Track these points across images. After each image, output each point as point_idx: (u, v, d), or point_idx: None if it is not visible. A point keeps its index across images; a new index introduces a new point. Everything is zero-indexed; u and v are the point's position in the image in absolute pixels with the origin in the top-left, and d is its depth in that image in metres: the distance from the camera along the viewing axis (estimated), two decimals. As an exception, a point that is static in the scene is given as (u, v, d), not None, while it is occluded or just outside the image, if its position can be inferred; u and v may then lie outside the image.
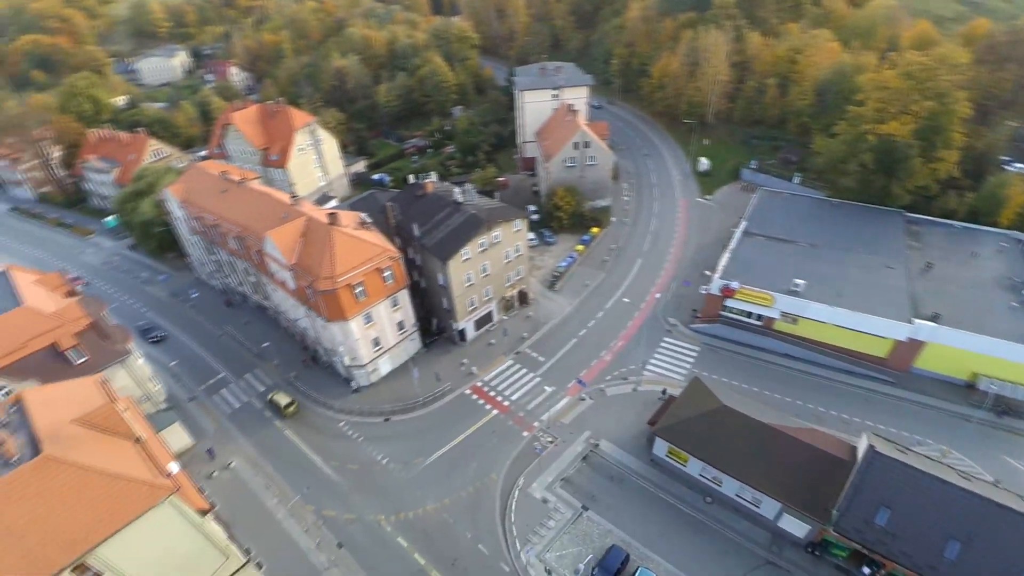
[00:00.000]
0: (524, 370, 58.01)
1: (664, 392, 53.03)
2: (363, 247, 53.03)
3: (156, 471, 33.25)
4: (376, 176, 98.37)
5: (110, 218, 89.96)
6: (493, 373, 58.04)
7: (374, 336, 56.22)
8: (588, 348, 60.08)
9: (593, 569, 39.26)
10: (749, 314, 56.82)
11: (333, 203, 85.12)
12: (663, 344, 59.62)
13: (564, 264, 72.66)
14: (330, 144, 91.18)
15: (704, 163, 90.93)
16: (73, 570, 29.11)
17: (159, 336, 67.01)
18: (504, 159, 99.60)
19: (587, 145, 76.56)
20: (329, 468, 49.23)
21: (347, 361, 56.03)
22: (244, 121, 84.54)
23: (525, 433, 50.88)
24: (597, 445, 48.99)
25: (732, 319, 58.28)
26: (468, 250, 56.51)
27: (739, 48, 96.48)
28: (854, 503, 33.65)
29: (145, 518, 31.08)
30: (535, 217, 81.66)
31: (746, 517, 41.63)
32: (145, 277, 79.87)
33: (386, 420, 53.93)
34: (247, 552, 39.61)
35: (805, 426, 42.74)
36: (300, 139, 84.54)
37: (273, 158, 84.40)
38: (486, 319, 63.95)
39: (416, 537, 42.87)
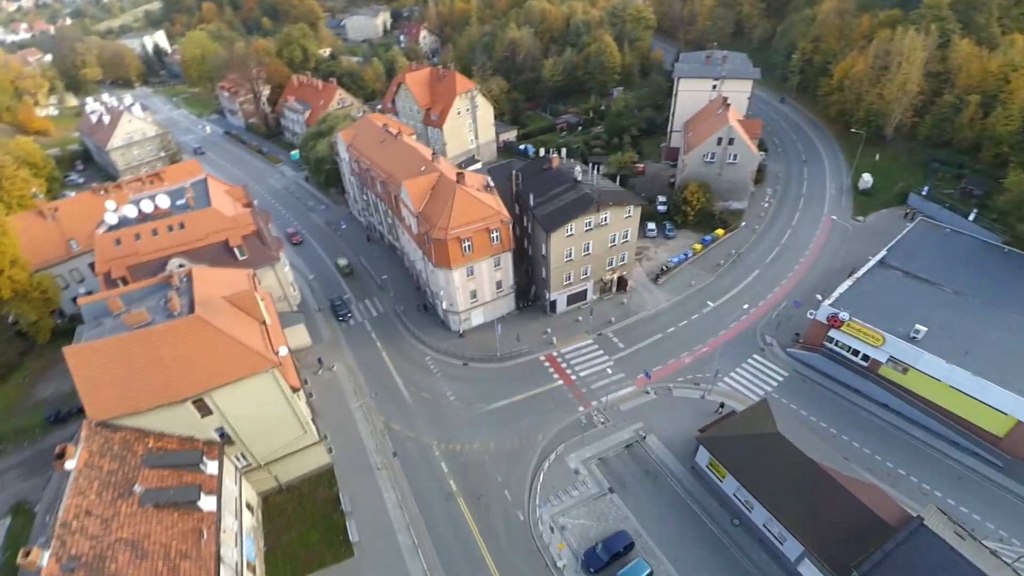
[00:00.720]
0: (601, 352, 59.30)
1: (722, 406, 51.14)
2: (479, 207, 57.98)
3: (269, 349, 42.16)
4: (522, 146, 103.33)
5: (295, 152, 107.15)
6: (571, 347, 60.33)
7: (472, 288, 61.63)
8: (670, 346, 59.17)
9: (596, 544, 40.80)
10: (855, 352, 50.99)
11: (477, 166, 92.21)
12: (750, 361, 56.49)
13: (675, 260, 70.93)
14: (486, 111, 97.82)
15: (867, 180, 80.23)
16: (194, 403, 39.38)
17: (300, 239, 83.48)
18: (650, 146, 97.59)
19: (731, 142, 72.35)
20: (407, 391, 56.48)
21: (444, 305, 62.72)
22: (415, 82, 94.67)
23: (581, 408, 52.89)
24: (644, 438, 49.33)
25: (835, 352, 52.86)
26: (573, 226, 58.51)
27: (941, 56, 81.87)
28: (879, 569, 30.38)
29: (251, 379, 39.98)
30: (662, 208, 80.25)
31: (767, 550, 39.61)
32: (310, 205, 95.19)
33: (464, 364, 59.64)
34: (324, 436, 48.62)
35: (867, 480, 38.80)
36: (459, 103, 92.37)
37: (433, 118, 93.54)
38: (580, 296, 65.78)
39: (456, 467, 48.17)
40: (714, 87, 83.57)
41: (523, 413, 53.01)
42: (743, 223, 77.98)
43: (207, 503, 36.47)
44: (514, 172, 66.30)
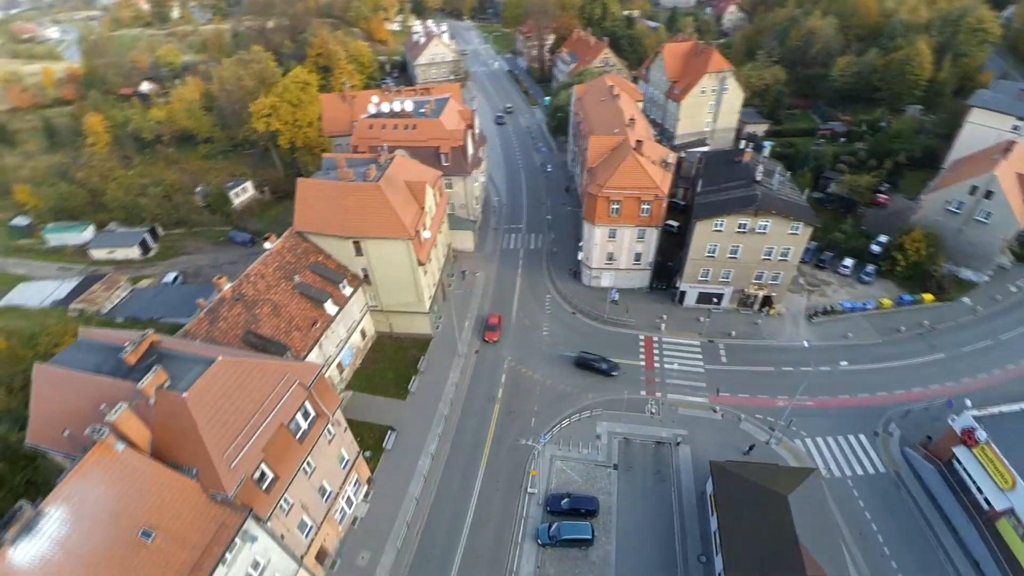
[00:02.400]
0: (700, 357, 57.26)
1: (752, 448, 46.94)
2: (640, 176, 59.88)
3: (413, 228, 54.28)
4: (765, 143, 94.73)
5: (547, 98, 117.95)
6: (674, 340, 59.55)
7: (610, 251, 64.65)
8: (774, 384, 53.61)
9: (568, 495, 43.66)
10: (978, 487, 39.04)
11: (703, 149, 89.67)
12: (852, 437, 48.38)
13: (848, 306, 61.29)
14: (734, 96, 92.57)
15: None
16: (354, 243, 54.22)
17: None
18: (914, 180, 79.73)
19: (989, 195, 56.56)
20: (516, 313, 64.38)
21: (580, 256, 67.39)
22: (672, 53, 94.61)
23: (643, 392, 53.45)
24: (679, 444, 48.20)
25: (954, 474, 41.24)
26: (724, 222, 56.10)
27: None
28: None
29: (392, 241, 52.95)
30: (876, 249, 67.79)
31: (714, 594, 36.92)
32: (538, 146, 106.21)
33: (572, 313, 64.47)
34: (438, 316, 60.38)
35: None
36: (706, 82, 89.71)
37: (676, 92, 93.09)
38: (712, 298, 62.89)
39: (511, 383, 55.14)
40: (1016, 128, 64.19)
41: (591, 371, 56.14)
42: (965, 298, 61.54)
43: (331, 308, 51.60)
44: (699, 156, 64.55)
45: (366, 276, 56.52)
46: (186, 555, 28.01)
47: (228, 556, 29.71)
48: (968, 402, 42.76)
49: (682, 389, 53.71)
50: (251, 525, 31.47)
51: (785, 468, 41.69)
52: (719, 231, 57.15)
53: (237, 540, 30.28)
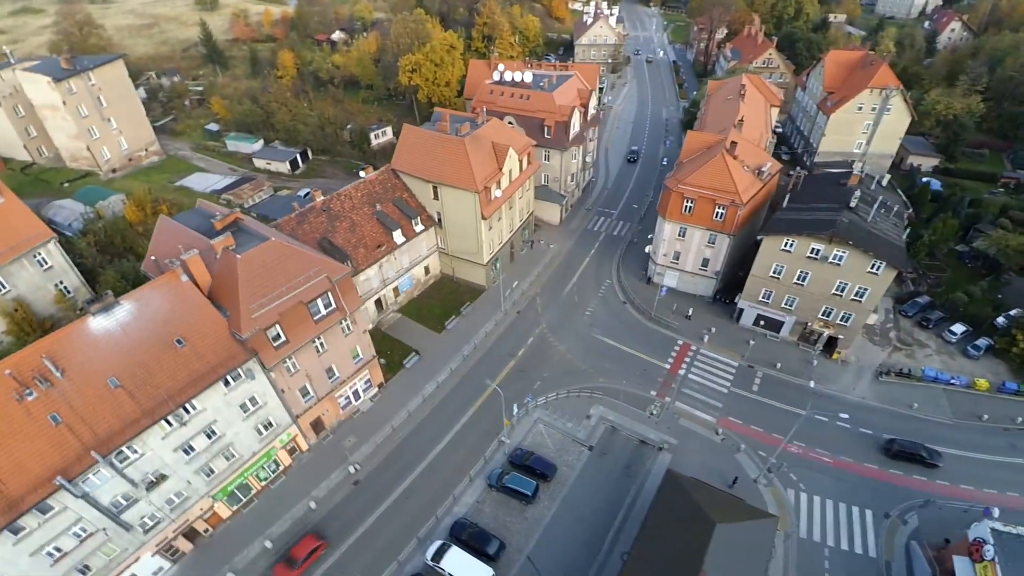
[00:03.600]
0: (730, 378, 54.18)
1: (735, 481, 43.87)
2: (723, 179, 57.30)
3: (484, 184, 58.79)
4: (925, 179, 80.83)
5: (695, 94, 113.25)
6: (711, 354, 56.83)
7: (677, 250, 62.94)
8: (797, 428, 46.84)
9: (533, 454, 46.02)
10: None
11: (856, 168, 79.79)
12: (856, 511, 42.58)
13: (932, 375, 52.54)
14: (898, 119, 79.97)
15: None
16: (433, 187, 60.94)
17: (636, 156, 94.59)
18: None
19: None
20: (569, 288, 66.40)
21: (647, 248, 66.36)
22: (835, 61, 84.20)
23: (653, 392, 52.64)
24: (661, 449, 47.30)
25: None
26: (794, 243, 51.68)
27: None
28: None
29: (462, 191, 58.47)
30: (1001, 322, 55.95)
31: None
32: (667, 140, 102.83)
33: (623, 302, 64.58)
34: (497, 273, 65.26)
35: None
36: (864, 98, 78.96)
37: (828, 103, 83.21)
38: (772, 325, 58.19)
39: (534, 345, 58.06)
40: None
41: (614, 359, 56.68)
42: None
43: (398, 238, 59.34)
44: (799, 170, 58.76)
45: (439, 219, 63.50)
46: (199, 365, 37.41)
47: (230, 380, 38.86)
48: (996, 511, 35.37)
49: (694, 402, 51.71)
50: (254, 366, 40.21)
51: (744, 505, 38.89)
52: (787, 251, 52.65)
53: (240, 371, 39.26)
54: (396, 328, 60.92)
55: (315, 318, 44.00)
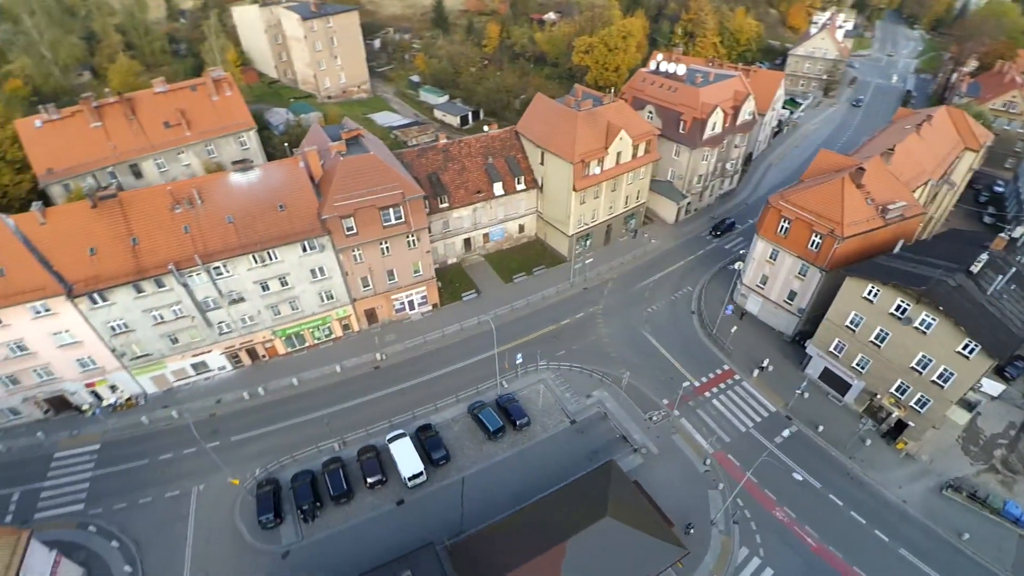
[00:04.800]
0: (758, 419, 49.05)
1: (690, 528, 40.52)
2: (830, 205, 50.81)
3: (583, 159, 61.00)
4: None
5: None
6: (752, 389, 51.72)
7: (765, 273, 57.23)
8: (800, 497, 42.66)
9: (512, 402, 48.97)
10: None
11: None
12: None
13: (1017, 514, 39.17)
14: None
15: None
16: (541, 152, 65.32)
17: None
18: None
19: None
20: (643, 286, 65.21)
21: (736, 265, 60.98)
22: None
23: (665, 400, 50.38)
24: (635, 451, 46.14)
25: None
26: (878, 291, 43.88)
27: None
28: None
29: (562, 161, 61.62)
30: None
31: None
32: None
33: (692, 312, 61.31)
34: (581, 247, 67.31)
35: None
36: None
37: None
38: (837, 384, 50.23)
39: (579, 321, 60.13)
40: None
41: (647, 358, 55.47)
42: None
43: (498, 190, 65.50)
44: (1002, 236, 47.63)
45: (541, 184, 67.79)
46: (289, 227, 48.83)
47: (307, 247, 49.99)
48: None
49: (700, 426, 48.46)
50: (327, 243, 50.89)
51: (658, 523, 36.23)
52: (869, 301, 44.79)
53: (316, 243, 50.25)
54: (474, 268, 67.91)
55: (384, 223, 53.21)
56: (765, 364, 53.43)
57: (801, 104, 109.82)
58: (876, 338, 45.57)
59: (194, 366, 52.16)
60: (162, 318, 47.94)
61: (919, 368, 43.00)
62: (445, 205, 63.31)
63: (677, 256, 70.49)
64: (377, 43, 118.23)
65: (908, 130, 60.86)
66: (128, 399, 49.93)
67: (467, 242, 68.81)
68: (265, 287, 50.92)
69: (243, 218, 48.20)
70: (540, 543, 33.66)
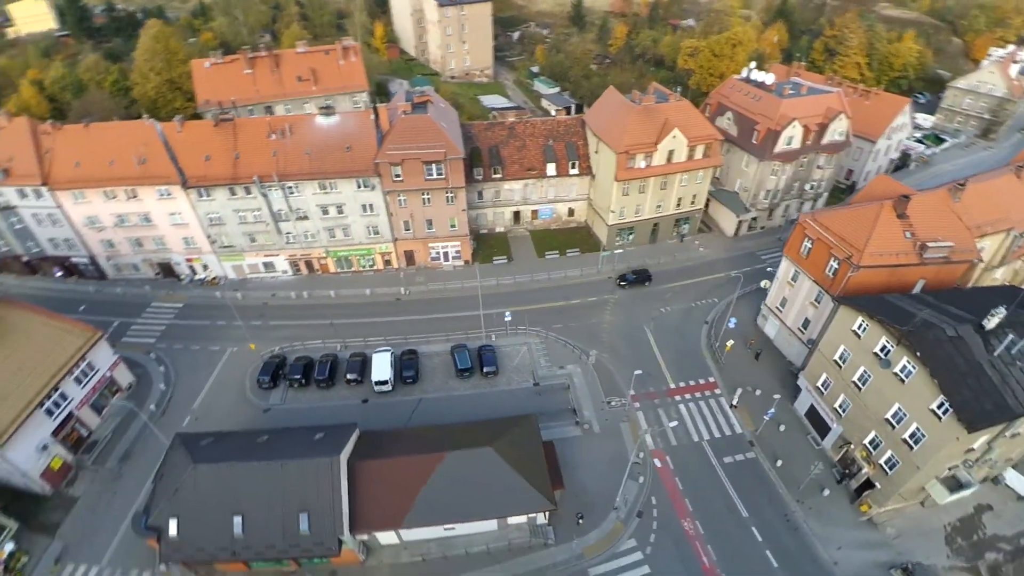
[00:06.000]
0: (716, 435, 47.58)
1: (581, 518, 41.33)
2: (858, 228, 46.13)
3: (630, 151, 62.26)
4: None
5: None
6: (727, 408, 49.49)
7: (785, 296, 53.68)
8: (706, 516, 41.63)
9: (488, 350, 53.66)
10: None
11: None
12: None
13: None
14: None
15: None
16: (598, 141, 67.53)
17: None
18: None
19: None
20: (668, 285, 64.31)
21: (762, 283, 57.44)
22: None
23: (631, 392, 50.38)
24: (578, 424, 48.21)
25: None
26: (866, 326, 39.94)
27: None
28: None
29: (610, 150, 64.18)
30: None
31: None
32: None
33: (705, 323, 59.43)
34: (624, 239, 68.45)
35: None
36: None
37: None
38: (819, 425, 46.14)
39: (592, 302, 62.51)
40: None
41: (636, 351, 55.84)
42: None
43: (551, 170, 69.31)
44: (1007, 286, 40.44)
45: (593, 172, 69.93)
46: (350, 166, 58.70)
47: (361, 185, 59.56)
48: None
49: (653, 424, 48.10)
50: (377, 183, 60.04)
51: (542, 472, 38.27)
52: (857, 335, 40.92)
53: (369, 182, 59.57)
54: (516, 239, 72.84)
55: (426, 176, 60.83)
56: (769, 418, 48.74)
57: (946, 141, 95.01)
58: (859, 379, 41.49)
59: (264, 264, 65.41)
60: (246, 219, 61.13)
61: (893, 421, 38.53)
62: (498, 176, 69.29)
63: (719, 268, 67.96)
64: (516, 35, 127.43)
65: (1007, 169, 51.52)
66: (213, 278, 64.81)
67: (516, 215, 73.88)
68: (325, 211, 61.80)
69: (318, 152, 59.24)
70: (428, 448, 38.49)
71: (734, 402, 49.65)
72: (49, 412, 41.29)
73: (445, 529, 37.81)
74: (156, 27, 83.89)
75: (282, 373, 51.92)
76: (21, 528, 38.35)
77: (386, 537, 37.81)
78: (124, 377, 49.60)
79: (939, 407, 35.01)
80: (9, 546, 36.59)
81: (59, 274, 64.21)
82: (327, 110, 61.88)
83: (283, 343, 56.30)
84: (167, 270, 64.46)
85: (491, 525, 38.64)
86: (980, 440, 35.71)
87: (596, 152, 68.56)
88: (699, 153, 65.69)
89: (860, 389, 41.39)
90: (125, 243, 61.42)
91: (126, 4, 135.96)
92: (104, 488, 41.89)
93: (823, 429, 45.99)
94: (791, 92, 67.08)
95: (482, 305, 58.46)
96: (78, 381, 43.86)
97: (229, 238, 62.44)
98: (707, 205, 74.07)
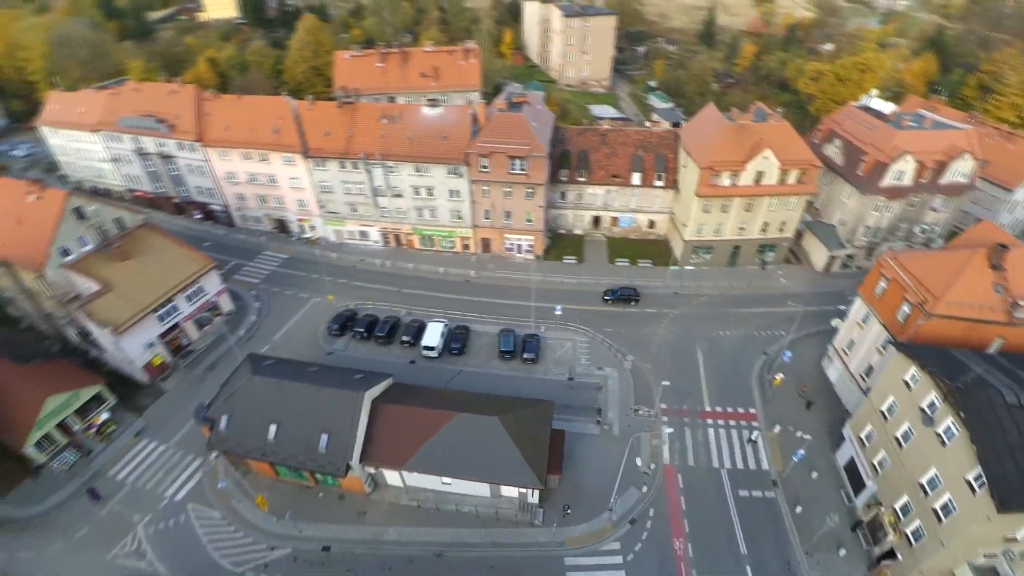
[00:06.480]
0: (738, 467, 45.67)
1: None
2: (941, 273, 41.87)
3: (714, 167, 61.20)
4: None
5: None
6: (760, 443, 47.04)
7: (852, 338, 49.37)
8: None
9: (533, 339, 56.18)
10: None
11: None
12: None
13: None
14: None
15: None
16: (686, 155, 66.49)
17: None
18: None
19: None
20: (737, 311, 61.94)
21: (833, 322, 52.75)
22: None
23: (663, 405, 50.17)
24: (599, 424, 48.92)
25: None
26: (918, 377, 35.70)
27: None
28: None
29: (695, 164, 63.04)
30: None
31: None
32: None
33: (764, 353, 56.31)
34: (700, 257, 67.05)
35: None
36: None
37: None
38: (855, 480, 41.70)
39: (649, 313, 62.61)
40: None
41: (683, 370, 55.08)
42: None
43: (635, 179, 70.11)
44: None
45: (678, 186, 68.93)
46: (444, 153, 64.78)
47: (450, 171, 65.31)
48: None
49: (676, 440, 47.34)
50: (464, 172, 65.26)
51: (535, 461, 39.48)
52: (908, 387, 37.13)
53: (457, 170, 65.05)
54: (591, 244, 74.35)
55: (509, 170, 64.82)
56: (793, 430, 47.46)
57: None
58: (903, 435, 37.73)
59: (360, 232, 74.00)
60: (350, 190, 69.86)
61: (927, 487, 34.73)
62: (583, 179, 71.29)
63: (798, 301, 62.74)
64: (642, 49, 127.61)
65: None
66: (316, 238, 74.73)
67: (596, 220, 75.23)
68: (417, 191, 68.49)
69: (418, 137, 65.97)
70: (444, 406, 42.11)
71: (752, 437, 47.38)
72: (160, 318, 51.71)
73: (443, 483, 41.20)
74: (310, 21, 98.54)
75: (350, 325, 59.21)
76: (118, 404, 48.80)
77: (392, 478, 42.18)
78: (226, 304, 59.83)
79: (976, 479, 31.17)
80: (105, 415, 47.08)
81: (198, 216, 78.32)
82: (433, 102, 68.68)
83: (357, 301, 63.79)
84: (281, 226, 75.61)
85: (484, 491, 41.25)
86: (1022, 530, 31.02)
87: (684, 166, 67.87)
88: (792, 178, 62.34)
89: (902, 447, 37.55)
90: (253, 198, 73.39)
91: (295, 0, 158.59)
92: (188, 388, 51.50)
93: (859, 485, 41.97)
94: (911, 124, 60.95)
95: (535, 298, 61.43)
96: (188, 299, 54.32)
97: (335, 205, 71.68)
98: (800, 236, 69.76)
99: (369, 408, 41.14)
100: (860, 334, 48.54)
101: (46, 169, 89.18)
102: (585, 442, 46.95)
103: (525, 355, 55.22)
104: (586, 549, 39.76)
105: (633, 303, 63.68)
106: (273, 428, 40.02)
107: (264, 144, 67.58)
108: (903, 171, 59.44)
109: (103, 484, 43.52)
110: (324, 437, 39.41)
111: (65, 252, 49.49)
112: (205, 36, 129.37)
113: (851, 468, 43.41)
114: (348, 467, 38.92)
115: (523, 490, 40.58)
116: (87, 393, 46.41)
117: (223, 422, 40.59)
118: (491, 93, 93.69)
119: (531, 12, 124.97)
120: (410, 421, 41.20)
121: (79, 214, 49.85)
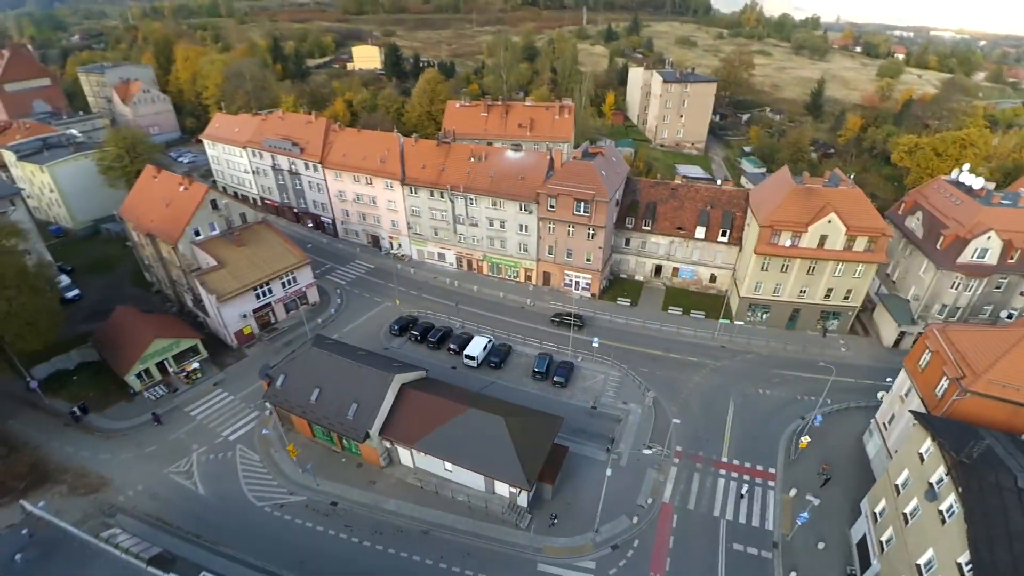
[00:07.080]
0: (740, 525, 44.43)
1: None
2: (985, 354, 38.63)
3: (776, 226, 61.38)
4: None
5: None
6: (771, 503, 45.47)
7: (894, 411, 44.94)
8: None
9: (568, 365, 59.25)
10: None
11: None
12: None
13: None
14: None
15: None
16: (751, 214, 66.56)
17: None
18: None
19: None
20: (781, 372, 60.03)
21: (880, 395, 48.62)
22: None
23: (679, 448, 50.55)
24: (609, 451, 50.29)
25: None
26: (931, 450, 33.07)
27: None
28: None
29: (756, 221, 62.99)
30: None
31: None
32: None
33: (801, 417, 53.46)
34: (756, 315, 65.86)
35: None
36: None
37: None
38: (864, 557, 38.32)
39: (691, 361, 63.29)
40: None
41: (711, 417, 55.02)
42: None
43: (699, 233, 71.36)
44: None
45: (742, 243, 68.81)
46: (520, 191, 72.07)
47: (523, 208, 71.98)
48: None
49: (682, 483, 47.26)
50: (533, 208, 71.61)
51: (531, 465, 42.04)
52: (921, 459, 34.90)
53: (528, 206, 71.52)
54: (649, 290, 76.26)
55: (574, 212, 69.89)
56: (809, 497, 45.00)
57: None
58: (910, 512, 35.29)
59: (439, 254, 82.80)
60: (435, 216, 79.28)
61: (923, 570, 32.12)
62: (647, 228, 74.16)
63: (853, 373, 59.88)
64: (745, 117, 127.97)
65: None
66: (402, 255, 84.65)
67: (658, 269, 77.09)
68: (491, 223, 76.02)
69: (499, 176, 74.05)
70: (458, 399, 46.79)
71: (743, 492, 45.99)
72: (257, 296, 63.08)
73: (445, 468, 45.26)
74: (431, 74, 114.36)
75: (409, 328, 66.66)
76: (207, 359, 60.29)
77: (405, 457, 47.17)
78: (313, 296, 70.65)
79: (967, 563, 28.77)
80: (196, 364, 58.49)
81: (310, 225, 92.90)
82: (516, 147, 76.74)
83: (419, 309, 71.47)
84: (375, 241, 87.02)
85: (479, 485, 44.59)
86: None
87: (749, 224, 68.32)
88: (860, 245, 60.27)
89: (907, 523, 35.01)
90: (355, 215, 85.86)
91: (431, 58, 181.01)
92: (265, 357, 61.28)
93: (866, 564, 38.89)
94: (1003, 201, 56.51)
95: (575, 329, 65.24)
96: (283, 285, 65.54)
97: (421, 227, 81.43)
98: (872, 308, 65.73)
99: (397, 390, 47.11)
100: (900, 408, 45.48)
101: (202, 174, 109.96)
102: (591, 466, 48.47)
103: (555, 378, 58.39)
104: (561, 561, 41.12)
105: (580, 328, 66.62)
106: (316, 392, 47.38)
107: (371, 170, 79.77)
108: (987, 249, 55.23)
109: (179, 417, 53.90)
110: (354, 406, 45.87)
111: (196, 232, 62.93)
112: (350, 82, 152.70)
113: (862, 544, 40.43)
114: (367, 435, 44.76)
115: (514, 491, 43.38)
116: (186, 343, 58.24)
117: (280, 380, 48.87)
118: (578, 145, 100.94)
119: (634, 77, 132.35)
120: (428, 407, 46.35)
121: (214, 205, 63.50)
